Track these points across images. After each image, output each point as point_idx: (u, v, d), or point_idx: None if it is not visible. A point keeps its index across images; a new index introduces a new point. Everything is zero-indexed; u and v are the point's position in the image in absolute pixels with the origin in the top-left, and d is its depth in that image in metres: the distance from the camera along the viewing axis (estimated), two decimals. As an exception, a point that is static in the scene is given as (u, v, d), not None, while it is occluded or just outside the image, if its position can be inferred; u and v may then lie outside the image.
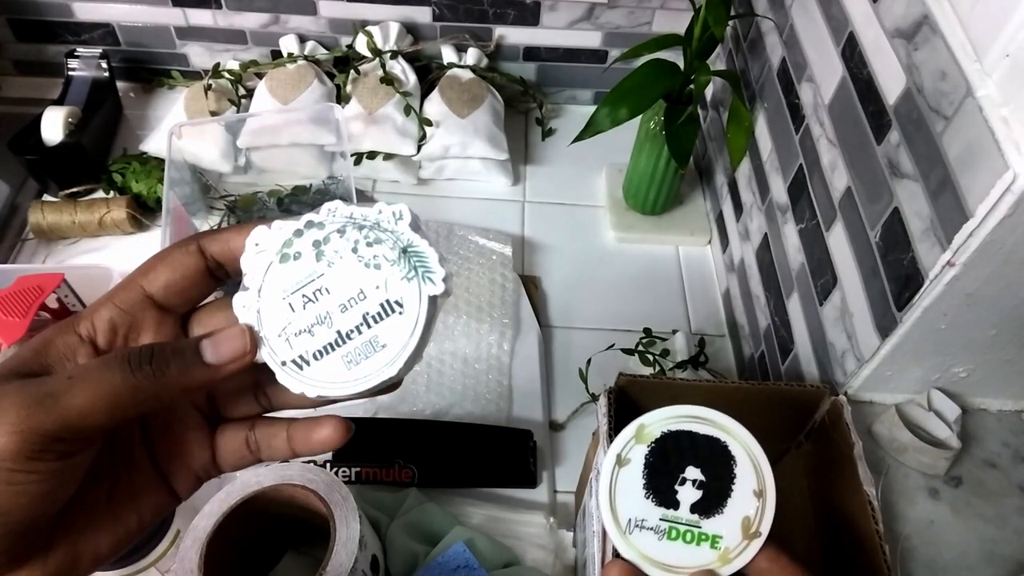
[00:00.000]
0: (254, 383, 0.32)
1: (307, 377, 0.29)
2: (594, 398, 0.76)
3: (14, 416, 0.24)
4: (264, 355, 0.29)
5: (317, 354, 0.29)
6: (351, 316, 0.29)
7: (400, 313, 0.29)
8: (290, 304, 0.29)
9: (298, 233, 0.30)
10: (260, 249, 0.30)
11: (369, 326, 0.29)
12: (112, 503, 0.28)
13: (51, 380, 0.26)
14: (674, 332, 0.82)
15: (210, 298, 0.32)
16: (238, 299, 0.30)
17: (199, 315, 0.31)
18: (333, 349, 0.29)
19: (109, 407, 0.26)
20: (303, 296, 0.29)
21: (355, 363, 0.29)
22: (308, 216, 0.30)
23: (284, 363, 0.29)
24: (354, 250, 0.29)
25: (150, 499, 0.30)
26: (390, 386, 0.30)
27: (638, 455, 0.38)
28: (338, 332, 0.29)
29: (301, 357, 0.29)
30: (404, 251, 0.29)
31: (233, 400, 0.32)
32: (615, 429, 0.47)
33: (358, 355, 0.29)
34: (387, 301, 0.29)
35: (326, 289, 0.29)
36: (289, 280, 0.29)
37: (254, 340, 0.29)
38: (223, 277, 0.31)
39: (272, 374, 0.29)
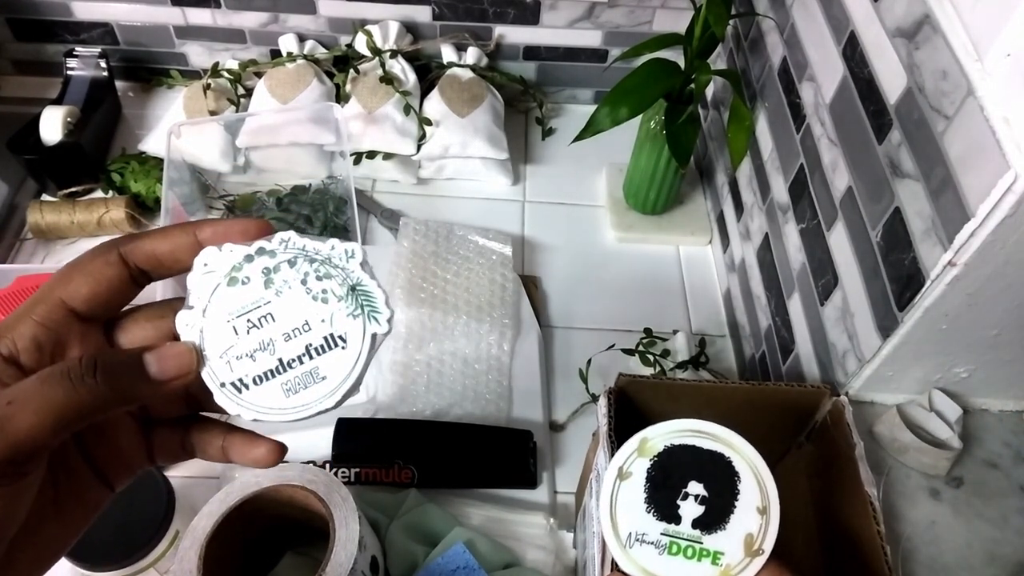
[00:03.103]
0: (185, 389, 0.32)
1: (245, 400, 0.30)
2: (594, 398, 0.76)
3: None
4: (204, 375, 0.30)
5: (257, 379, 0.30)
6: (294, 346, 0.30)
7: (343, 348, 0.30)
8: (234, 327, 0.30)
9: (248, 258, 0.30)
10: (208, 270, 0.30)
11: (311, 357, 0.30)
12: (58, 508, 0.29)
13: None
14: (675, 332, 0.82)
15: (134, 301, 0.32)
16: (182, 317, 0.30)
17: (125, 323, 0.31)
18: (273, 376, 0.30)
19: (55, 425, 0.26)
20: (248, 321, 0.30)
21: (294, 392, 0.30)
22: (260, 243, 0.30)
23: (223, 384, 0.30)
24: (303, 282, 0.30)
25: (90, 496, 0.30)
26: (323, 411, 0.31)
27: (640, 469, 0.38)
28: (279, 360, 0.30)
29: (241, 380, 0.30)
30: (353, 288, 0.30)
31: (164, 404, 0.33)
32: (615, 430, 0.47)
33: (297, 384, 0.30)
34: (331, 335, 0.30)
35: (271, 316, 0.30)
36: (235, 304, 0.30)
37: (199, 359, 0.29)
38: (146, 283, 0.31)
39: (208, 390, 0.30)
